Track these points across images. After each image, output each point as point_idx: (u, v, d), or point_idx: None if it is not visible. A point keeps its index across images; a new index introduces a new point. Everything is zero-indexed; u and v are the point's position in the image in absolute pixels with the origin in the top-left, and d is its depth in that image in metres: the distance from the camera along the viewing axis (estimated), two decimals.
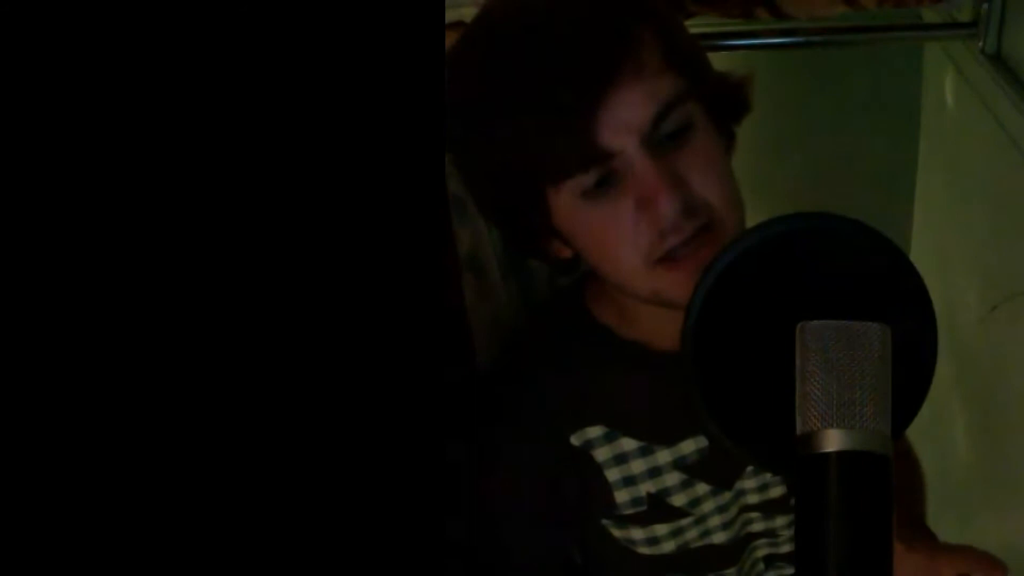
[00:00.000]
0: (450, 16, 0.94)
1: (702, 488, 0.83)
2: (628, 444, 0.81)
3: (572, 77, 0.65)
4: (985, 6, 1.14)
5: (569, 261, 0.77)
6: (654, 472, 0.82)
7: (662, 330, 0.77)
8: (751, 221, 0.75)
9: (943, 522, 0.87)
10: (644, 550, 0.86)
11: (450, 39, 0.91)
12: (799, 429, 0.45)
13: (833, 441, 0.43)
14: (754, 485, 0.85)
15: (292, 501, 0.44)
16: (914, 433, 0.51)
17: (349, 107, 0.45)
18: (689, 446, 0.81)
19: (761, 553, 0.91)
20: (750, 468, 0.84)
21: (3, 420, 0.41)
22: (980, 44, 1.16)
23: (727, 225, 0.69)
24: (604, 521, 0.84)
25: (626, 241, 0.68)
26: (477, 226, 0.96)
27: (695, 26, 1.03)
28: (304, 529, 0.44)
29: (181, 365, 0.43)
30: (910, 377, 0.49)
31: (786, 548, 0.90)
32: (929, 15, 1.31)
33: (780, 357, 0.46)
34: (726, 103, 0.73)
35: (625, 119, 0.65)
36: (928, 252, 1.46)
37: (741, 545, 0.89)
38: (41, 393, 0.42)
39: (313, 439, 0.44)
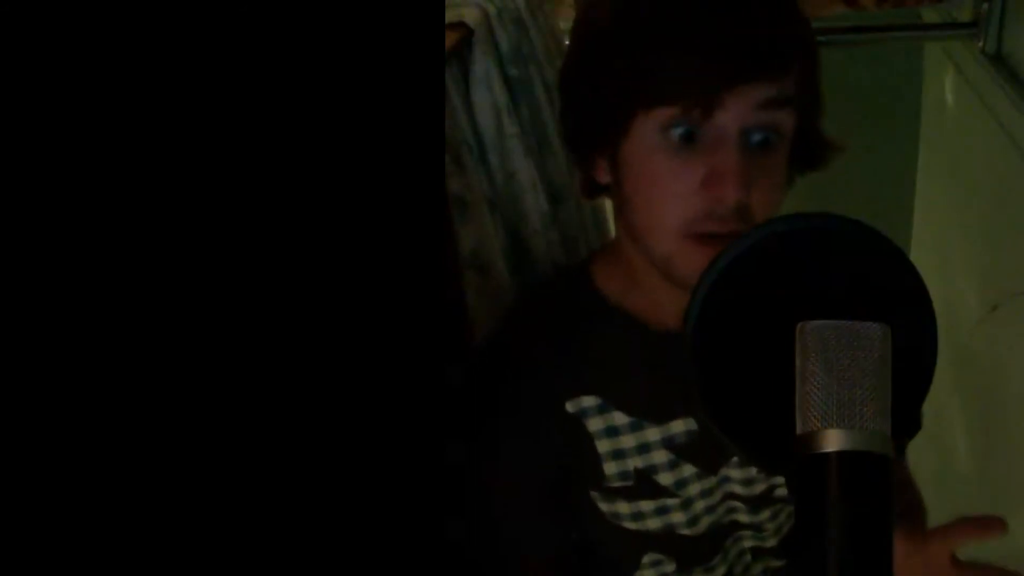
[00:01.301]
0: (450, 16, 0.94)
1: (688, 470, 0.84)
2: (620, 418, 0.82)
3: (736, 47, 0.67)
4: (985, 6, 1.15)
5: (598, 187, 0.79)
6: (643, 448, 0.83)
7: (665, 309, 0.80)
8: None
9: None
10: (630, 525, 0.87)
11: (450, 39, 0.91)
12: (799, 429, 0.45)
13: (833, 441, 0.43)
14: (739, 476, 0.86)
15: (292, 501, 0.44)
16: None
17: (349, 107, 0.45)
18: (679, 426, 0.83)
19: (748, 544, 0.91)
20: (735, 458, 0.85)
21: (3, 420, 0.41)
22: (980, 44, 1.17)
23: None
24: (593, 493, 0.85)
25: (677, 199, 0.70)
26: (481, 225, 0.96)
27: None
28: (304, 529, 0.44)
29: (180, 364, 0.43)
30: (910, 377, 0.49)
31: (772, 542, 0.91)
32: (929, 15, 1.32)
33: (780, 357, 0.46)
34: (810, 145, 0.77)
35: (748, 95, 0.68)
36: (928, 252, 1.47)
37: (725, 533, 0.89)
38: (41, 393, 0.42)
39: (313, 439, 0.44)
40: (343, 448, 0.45)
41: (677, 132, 0.69)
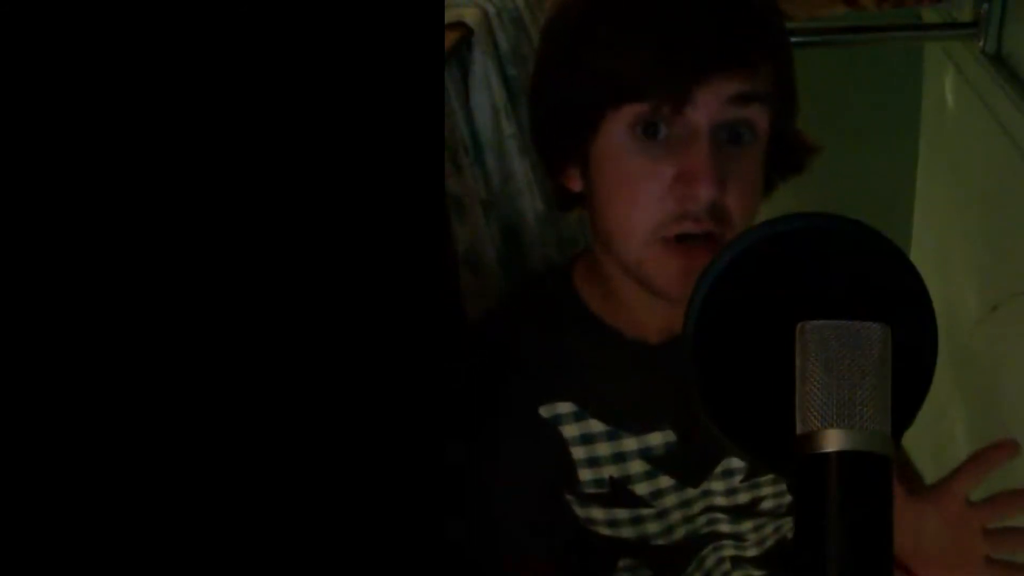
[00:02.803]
0: (450, 16, 0.94)
1: (665, 481, 0.83)
2: (596, 426, 0.81)
3: (705, 39, 0.67)
4: (985, 6, 1.15)
5: (572, 196, 0.78)
6: (619, 457, 0.82)
7: (642, 322, 0.79)
8: None
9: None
10: (604, 531, 0.86)
11: (450, 39, 0.91)
12: (799, 429, 0.44)
13: (833, 441, 0.43)
14: (721, 488, 0.85)
15: (292, 501, 0.44)
16: (914, 433, 0.51)
17: (349, 107, 0.45)
18: (656, 438, 0.82)
19: (728, 553, 0.91)
20: (718, 470, 0.84)
21: (3, 420, 0.41)
22: (980, 44, 1.17)
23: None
24: (568, 497, 0.85)
25: (649, 201, 0.69)
26: (476, 224, 0.96)
27: None
28: (304, 529, 0.44)
29: (180, 364, 0.43)
30: (910, 377, 0.48)
31: (752, 552, 0.90)
32: (929, 15, 1.32)
33: (780, 357, 0.46)
34: (787, 147, 0.75)
35: (719, 88, 0.67)
36: (928, 252, 1.47)
37: (704, 541, 0.89)
38: (41, 393, 0.42)
39: (313, 439, 0.44)
40: (343, 448, 0.45)
41: (647, 130, 0.68)
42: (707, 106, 0.67)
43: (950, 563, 0.70)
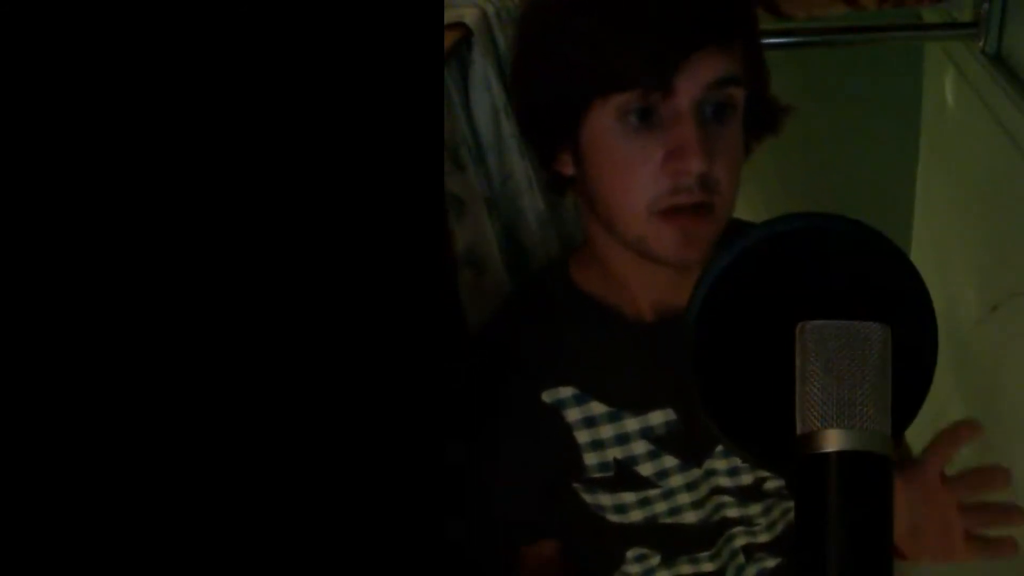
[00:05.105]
0: (450, 16, 0.94)
1: (670, 461, 0.84)
2: (597, 408, 0.83)
3: (680, 20, 0.69)
4: (985, 6, 1.15)
5: (564, 179, 0.80)
6: (622, 439, 0.84)
7: (639, 301, 0.82)
8: (751, 220, 0.76)
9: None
10: (613, 518, 0.87)
11: (449, 39, 0.91)
12: (799, 429, 0.45)
13: (833, 441, 0.43)
14: (724, 467, 0.86)
15: (292, 501, 0.44)
16: (914, 433, 0.51)
17: (349, 107, 0.45)
18: (657, 417, 0.83)
19: (740, 542, 0.91)
20: (719, 448, 0.85)
21: (3, 420, 0.41)
22: (980, 44, 1.17)
23: (722, 215, 0.73)
24: (575, 485, 0.86)
25: (642, 180, 0.71)
26: (477, 223, 0.96)
27: None
28: (304, 529, 0.44)
29: (180, 364, 0.43)
30: (910, 377, 0.49)
31: (764, 537, 0.91)
32: (929, 15, 1.32)
33: (780, 357, 0.46)
34: (762, 112, 0.78)
35: (698, 75, 0.69)
36: (928, 252, 1.46)
37: (715, 530, 0.89)
38: (41, 393, 0.42)
39: (313, 439, 0.44)
40: (344, 449, 0.45)
41: (634, 115, 0.70)
42: (691, 89, 0.69)
43: (930, 540, 0.70)
